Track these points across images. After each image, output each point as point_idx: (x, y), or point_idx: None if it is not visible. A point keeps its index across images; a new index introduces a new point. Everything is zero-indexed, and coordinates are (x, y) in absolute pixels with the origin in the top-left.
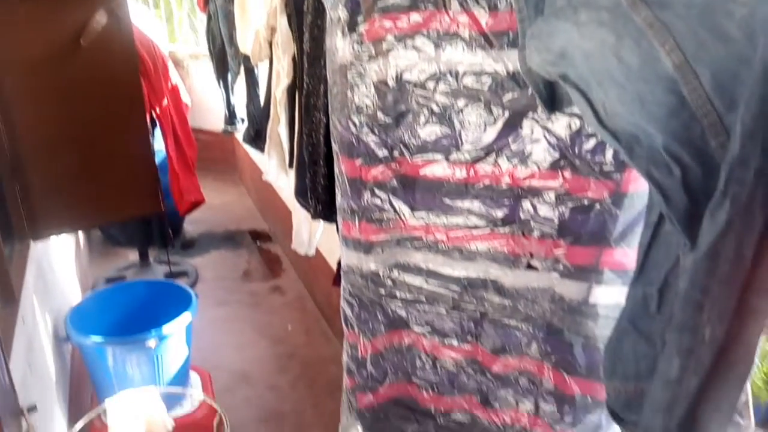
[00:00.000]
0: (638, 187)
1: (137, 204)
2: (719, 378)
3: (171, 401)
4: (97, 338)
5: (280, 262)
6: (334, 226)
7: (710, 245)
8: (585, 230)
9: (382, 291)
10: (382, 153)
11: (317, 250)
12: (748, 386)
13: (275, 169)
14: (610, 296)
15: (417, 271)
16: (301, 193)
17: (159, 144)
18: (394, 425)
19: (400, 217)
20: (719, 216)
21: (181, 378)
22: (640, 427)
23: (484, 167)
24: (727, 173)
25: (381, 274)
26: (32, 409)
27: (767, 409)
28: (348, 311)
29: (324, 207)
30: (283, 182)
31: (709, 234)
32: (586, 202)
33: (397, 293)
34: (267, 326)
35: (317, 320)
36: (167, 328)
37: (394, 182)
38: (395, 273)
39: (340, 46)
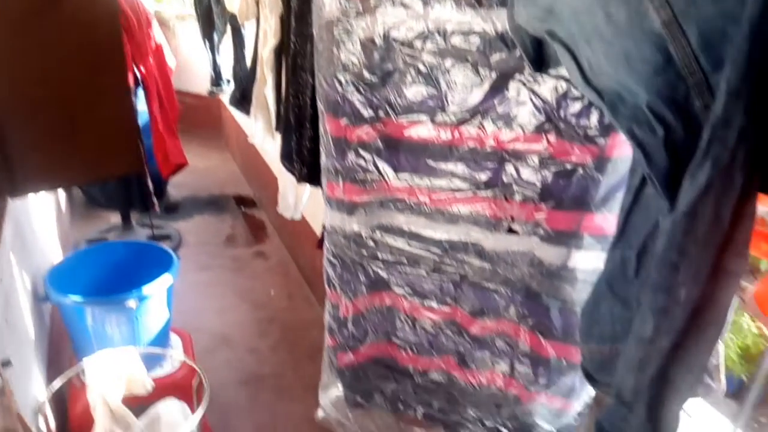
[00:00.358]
0: (621, 153)
1: (118, 163)
2: (692, 338)
3: (151, 362)
4: (76, 297)
5: (264, 227)
6: (320, 191)
7: (689, 206)
8: (567, 195)
9: (365, 252)
10: (367, 113)
11: (302, 216)
12: (721, 350)
13: (261, 132)
14: (588, 261)
15: (399, 232)
16: (286, 157)
17: (142, 105)
18: (373, 384)
19: (383, 179)
20: (699, 177)
21: (161, 339)
22: (612, 387)
23: (469, 129)
24: (710, 134)
25: (363, 235)
26: (7, 363)
27: (740, 382)
28: (330, 271)
29: (309, 170)
30: (269, 145)
31: (688, 195)
32: (569, 167)
33: (379, 254)
34: (249, 291)
35: (300, 286)
36: (147, 289)
37: (379, 143)
38: (378, 234)
39: (327, 1)
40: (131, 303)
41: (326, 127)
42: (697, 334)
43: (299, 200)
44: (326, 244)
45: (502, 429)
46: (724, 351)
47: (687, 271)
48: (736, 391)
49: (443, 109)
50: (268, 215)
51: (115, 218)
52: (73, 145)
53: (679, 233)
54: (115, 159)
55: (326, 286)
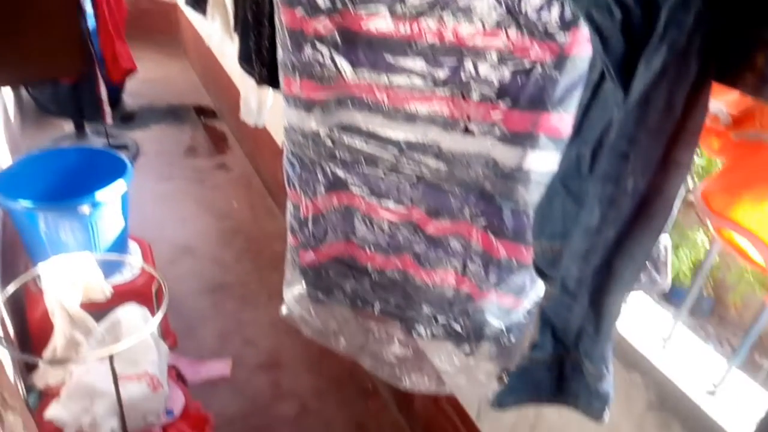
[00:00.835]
0: (581, 51)
1: (64, 63)
2: (637, 228)
3: (109, 269)
4: (26, 203)
5: (226, 138)
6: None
7: (642, 93)
8: (524, 94)
9: (323, 151)
10: (323, 3)
11: (264, 126)
12: (668, 245)
13: (219, 33)
14: (543, 163)
15: (357, 132)
16: (245, 58)
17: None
18: (334, 281)
19: (341, 75)
20: (654, 62)
21: (118, 247)
22: (557, 278)
23: (429, 23)
24: (667, 16)
25: (321, 134)
26: None
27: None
28: (290, 171)
29: (269, 71)
30: (228, 47)
31: (642, 81)
32: (527, 64)
33: (337, 154)
34: (211, 202)
35: (263, 197)
36: (101, 195)
37: (336, 36)
38: (335, 133)
39: None
40: (84, 209)
41: (281, 18)
42: (642, 225)
43: (262, 105)
44: (285, 142)
45: (455, 324)
46: (671, 246)
47: (636, 161)
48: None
49: (402, 1)
50: (229, 126)
51: (69, 127)
52: (16, 42)
53: (631, 121)
54: (60, 58)
55: (286, 185)
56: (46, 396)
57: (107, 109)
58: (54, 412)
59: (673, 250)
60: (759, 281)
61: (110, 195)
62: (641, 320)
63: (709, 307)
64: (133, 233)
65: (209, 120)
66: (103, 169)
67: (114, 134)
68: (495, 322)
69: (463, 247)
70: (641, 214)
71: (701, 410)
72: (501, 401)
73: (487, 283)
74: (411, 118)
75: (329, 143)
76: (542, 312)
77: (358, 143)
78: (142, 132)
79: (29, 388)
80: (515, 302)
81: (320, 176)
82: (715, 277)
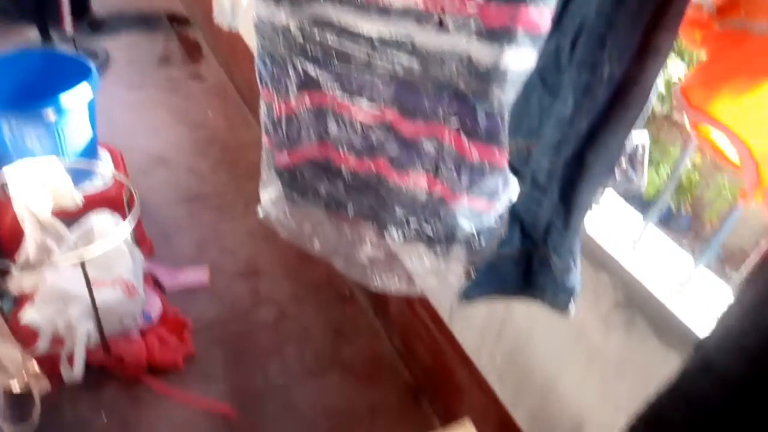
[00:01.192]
0: None
1: None
2: (611, 119)
3: (80, 177)
4: None
5: (200, 48)
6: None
7: None
8: None
9: (294, 46)
10: None
11: (239, 36)
12: (647, 144)
13: None
14: (520, 61)
15: (328, 26)
16: None
17: None
18: (309, 183)
19: None
20: None
21: (88, 156)
22: (528, 174)
23: None
24: None
25: (291, 28)
26: None
27: (669, 211)
28: (262, 69)
29: None
30: None
31: None
32: None
33: (309, 49)
34: (185, 112)
35: (238, 107)
36: (65, 100)
37: None
38: (306, 27)
39: None
40: (49, 114)
41: None
42: (617, 115)
43: (237, 5)
44: (256, 39)
45: (426, 227)
46: (648, 146)
47: (613, 45)
48: (666, 219)
49: None
50: (203, 35)
51: (34, 34)
52: None
53: (609, 2)
54: None
55: (259, 84)
56: (20, 301)
57: (67, 15)
58: (28, 316)
59: (654, 167)
60: (735, 197)
61: (75, 100)
62: (612, 223)
63: (687, 224)
64: (105, 143)
65: (182, 28)
66: (68, 75)
67: (82, 42)
68: (466, 225)
69: (436, 150)
70: (616, 103)
71: (666, 308)
72: (467, 294)
73: (459, 185)
74: (384, 11)
75: (300, 38)
76: (512, 208)
77: (329, 38)
78: (112, 40)
79: (2, 293)
80: (487, 206)
81: (291, 73)
82: (693, 195)
